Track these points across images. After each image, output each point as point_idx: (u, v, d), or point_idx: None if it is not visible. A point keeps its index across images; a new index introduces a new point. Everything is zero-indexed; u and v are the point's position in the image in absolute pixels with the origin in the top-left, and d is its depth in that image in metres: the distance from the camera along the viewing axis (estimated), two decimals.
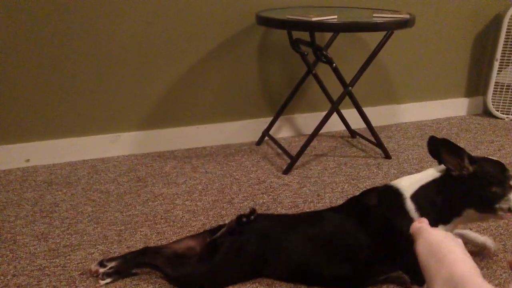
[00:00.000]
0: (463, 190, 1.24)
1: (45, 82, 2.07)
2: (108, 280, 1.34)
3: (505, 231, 1.61)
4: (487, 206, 1.25)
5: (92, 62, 2.10)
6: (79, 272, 1.39)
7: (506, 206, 1.24)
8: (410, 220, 1.18)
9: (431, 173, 1.29)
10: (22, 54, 2.01)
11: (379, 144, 2.22)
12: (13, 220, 1.68)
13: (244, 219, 1.34)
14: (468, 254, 0.65)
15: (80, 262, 1.44)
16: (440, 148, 1.24)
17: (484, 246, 1.45)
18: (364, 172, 2.07)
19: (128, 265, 1.38)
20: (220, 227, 1.44)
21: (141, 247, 1.45)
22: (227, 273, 1.34)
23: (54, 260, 1.45)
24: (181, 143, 2.34)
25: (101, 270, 1.36)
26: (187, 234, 1.58)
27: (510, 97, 2.78)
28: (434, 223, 1.12)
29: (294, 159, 2.08)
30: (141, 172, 2.07)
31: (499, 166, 1.27)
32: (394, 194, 1.29)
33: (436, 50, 2.70)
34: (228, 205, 1.79)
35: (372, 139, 2.25)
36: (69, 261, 1.45)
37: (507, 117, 2.79)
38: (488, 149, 2.31)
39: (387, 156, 2.22)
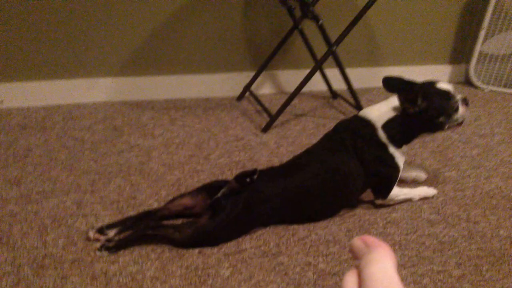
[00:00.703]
0: (418, 122, 1.47)
1: (22, 21, 1.98)
2: (105, 253, 1.28)
3: (471, 201, 1.66)
4: (437, 130, 1.50)
5: (72, 2, 2.01)
6: (51, 220, 1.40)
7: (453, 125, 1.49)
8: (383, 145, 1.48)
9: (393, 105, 1.48)
10: None
11: (358, 107, 2.23)
12: None
13: (248, 179, 1.36)
14: None
15: (52, 209, 1.45)
16: (397, 91, 1.44)
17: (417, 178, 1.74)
18: None
19: (128, 237, 1.32)
20: (215, 183, 1.46)
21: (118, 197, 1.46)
22: (234, 229, 1.38)
23: (26, 206, 1.45)
24: (160, 93, 2.30)
25: (102, 237, 1.32)
26: (162, 188, 1.59)
27: (492, 68, 2.79)
28: (399, 145, 1.49)
29: (273, 118, 2.07)
30: (118, 120, 2.05)
31: (444, 94, 1.45)
32: (368, 125, 1.50)
33: (424, 14, 2.67)
34: (204, 161, 1.79)
35: (353, 101, 2.25)
36: (41, 208, 1.45)
37: (487, 88, 2.81)
38: None
39: None
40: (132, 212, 1.45)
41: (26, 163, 1.68)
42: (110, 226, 1.35)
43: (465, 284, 1.29)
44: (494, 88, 2.80)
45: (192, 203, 1.42)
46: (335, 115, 2.29)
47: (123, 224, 1.36)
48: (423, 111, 1.44)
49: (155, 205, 1.50)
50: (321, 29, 2.03)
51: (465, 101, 1.48)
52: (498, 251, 1.42)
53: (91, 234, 1.32)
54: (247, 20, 2.32)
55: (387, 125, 1.48)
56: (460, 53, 2.89)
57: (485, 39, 2.73)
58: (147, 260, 1.27)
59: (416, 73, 2.79)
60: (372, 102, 2.47)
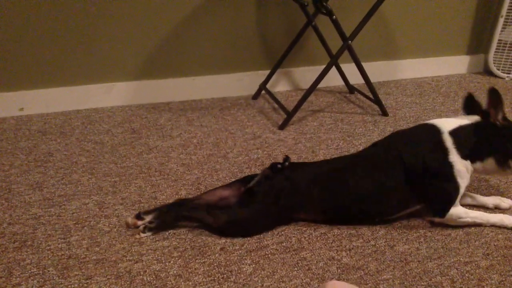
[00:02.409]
0: (492, 137, 1.40)
1: (39, 30, 2.01)
2: (149, 233, 1.36)
3: (497, 190, 1.63)
4: (505, 159, 1.40)
5: (87, 9, 2.04)
6: (74, 222, 1.41)
7: None
8: (445, 150, 1.39)
9: (467, 118, 1.45)
10: (15, 1, 1.94)
11: (376, 100, 2.20)
12: (7, 169, 1.68)
13: (279, 166, 1.41)
14: None
15: (75, 211, 1.46)
16: (489, 96, 1.38)
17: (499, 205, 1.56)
18: (360, 129, 2.07)
19: (166, 218, 1.39)
20: (249, 176, 1.48)
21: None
22: (266, 218, 1.39)
23: (49, 209, 1.47)
24: (177, 95, 2.31)
25: (140, 222, 1.38)
26: (182, 188, 1.59)
27: None
28: (464, 155, 1.39)
29: (290, 115, 2.06)
30: (136, 123, 2.06)
31: None
32: (432, 129, 1.44)
33: (440, 4, 2.63)
34: (223, 160, 1.79)
35: (370, 95, 2.22)
36: (64, 211, 1.46)
37: (507, 77, 2.75)
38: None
39: (384, 113, 2.20)
40: None
41: (47, 168, 1.70)
42: (146, 213, 1.40)
43: (494, 274, 1.26)
44: None
45: (227, 194, 1.45)
46: (352, 110, 2.27)
47: (158, 210, 1.40)
48: (502, 128, 1.39)
49: None
50: (336, 23, 2.02)
51: None
52: None
53: (130, 220, 1.38)
54: (260, 18, 2.31)
55: (456, 131, 1.41)
56: (478, 43, 2.84)
57: (504, 27, 2.68)
58: (170, 258, 1.27)
59: (434, 65, 2.76)
60: (390, 95, 2.47)
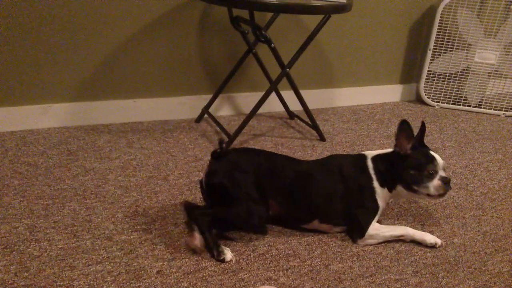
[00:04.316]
0: (396, 165, 1.51)
1: None
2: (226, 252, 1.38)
3: (425, 212, 1.72)
4: (408, 185, 1.51)
5: (23, 27, 1.99)
6: (3, 246, 1.34)
7: (425, 192, 1.49)
8: (370, 177, 1.53)
9: (389, 150, 1.57)
10: None
11: (314, 126, 2.28)
12: None
13: (218, 150, 1.48)
14: None
15: (4, 236, 1.39)
16: (398, 128, 1.50)
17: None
18: (299, 153, 2.12)
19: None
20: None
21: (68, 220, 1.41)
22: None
23: None
24: (117, 116, 2.27)
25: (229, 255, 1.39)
26: (118, 210, 1.56)
27: (441, 86, 2.92)
28: (381, 182, 1.52)
29: (232, 138, 2.08)
30: (72, 145, 2.01)
31: (429, 158, 1.50)
32: (361, 156, 1.60)
33: (373, 38, 2.79)
34: (163, 182, 1.77)
35: (309, 121, 2.30)
36: None
37: (437, 105, 2.94)
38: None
39: (322, 138, 2.28)
40: (87, 236, 1.42)
41: None
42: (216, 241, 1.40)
43: None
44: (444, 105, 2.93)
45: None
46: (292, 134, 2.33)
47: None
48: (406, 156, 1.50)
49: (112, 228, 1.47)
50: (274, 52, 2.08)
51: (445, 180, 1.48)
52: (453, 258, 1.46)
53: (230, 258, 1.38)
54: (203, 44, 2.35)
55: (376, 158, 1.56)
56: (410, 73, 3.02)
57: (433, 59, 2.87)
58: (103, 283, 1.24)
59: (369, 93, 2.90)
60: (328, 121, 2.56)
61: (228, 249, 1.39)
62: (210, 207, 1.49)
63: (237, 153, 1.58)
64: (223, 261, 1.35)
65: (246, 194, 1.42)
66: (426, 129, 1.63)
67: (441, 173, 1.49)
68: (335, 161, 1.61)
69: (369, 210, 1.51)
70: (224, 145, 1.48)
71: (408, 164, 1.49)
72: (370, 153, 1.59)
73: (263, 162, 1.51)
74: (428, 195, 1.49)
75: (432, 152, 1.53)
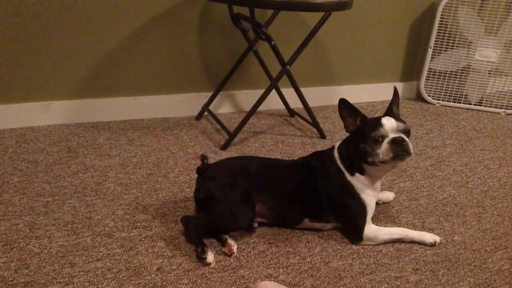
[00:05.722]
0: (352, 145, 1.46)
1: None
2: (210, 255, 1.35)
3: (425, 210, 1.71)
4: (366, 161, 1.42)
5: (24, 24, 1.99)
6: (3, 243, 1.34)
7: (377, 160, 1.39)
8: (339, 169, 1.47)
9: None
10: None
11: (315, 124, 2.28)
12: None
13: (202, 167, 1.47)
14: None
15: (4, 233, 1.39)
16: (340, 106, 1.44)
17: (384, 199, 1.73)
18: (299, 150, 2.12)
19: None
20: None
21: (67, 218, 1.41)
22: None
23: None
24: (117, 114, 2.27)
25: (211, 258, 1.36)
26: (118, 207, 1.56)
27: (441, 84, 2.92)
28: (350, 171, 1.46)
29: (232, 135, 2.08)
30: (73, 142, 2.00)
31: (374, 125, 1.40)
32: (331, 148, 1.55)
33: (374, 35, 2.78)
34: (163, 179, 1.77)
35: (309, 119, 2.29)
36: None
37: (437, 103, 2.93)
38: (417, 132, 2.43)
39: (322, 136, 2.28)
40: (87, 233, 1.42)
41: None
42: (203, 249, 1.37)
43: None
44: (444, 103, 2.93)
45: None
46: (292, 132, 2.33)
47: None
48: (356, 132, 1.45)
49: (112, 225, 1.47)
50: (274, 49, 2.08)
51: (396, 141, 1.35)
52: (453, 256, 1.46)
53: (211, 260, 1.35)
54: (204, 41, 2.35)
55: (340, 146, 1.52)
56: (411, 71, 3.02)
57: (433, 57, 2.87)
58: (103, 280, 1.24)
59: (370, 91, 2.90)
60: (328, 119, 2.56)
61: (212, 253, 1.36)
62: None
63: (215, 167, 1.52)
64: (204, 260, 1.33)
65: (229, 200, 1.41)
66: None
67: (393, 135, 1.37)
68: (314, 158, 1.58)
69: (356, 211, 1.45)
70: (206, 161, 1.47)
71: (357, 139, 1.43)
72: (337, 144, 1.55)
73: (243, 169, 1.49)
74: (383, 162, 1.38)
75: (384, 118, 1.42)
